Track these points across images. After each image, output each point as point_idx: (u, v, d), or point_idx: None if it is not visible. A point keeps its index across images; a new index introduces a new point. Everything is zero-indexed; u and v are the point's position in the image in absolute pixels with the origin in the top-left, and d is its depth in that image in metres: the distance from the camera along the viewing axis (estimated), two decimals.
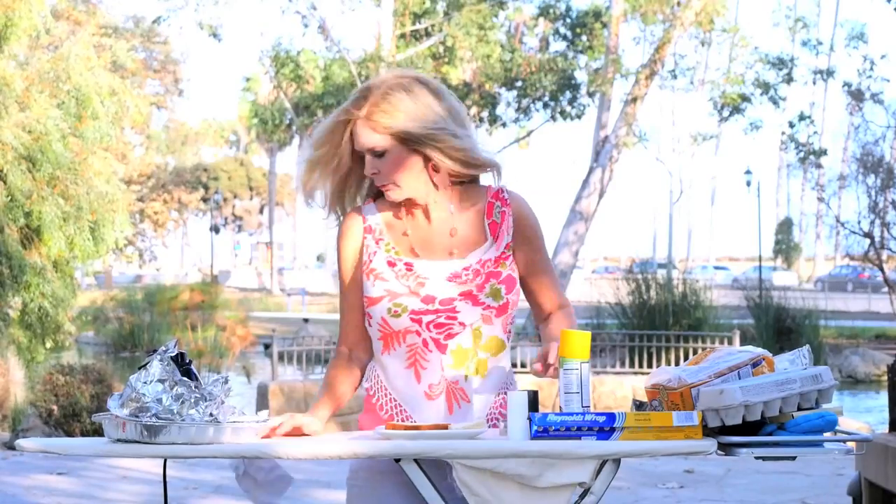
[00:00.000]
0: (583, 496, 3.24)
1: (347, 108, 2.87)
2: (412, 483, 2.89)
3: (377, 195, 2.99)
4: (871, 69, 27.73)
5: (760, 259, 35.88)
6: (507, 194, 2.96)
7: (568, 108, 27.56)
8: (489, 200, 2.96)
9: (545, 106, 27.87)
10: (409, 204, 2.92)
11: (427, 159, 2.85)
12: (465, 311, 2.89)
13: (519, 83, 27.38)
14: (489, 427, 2.97)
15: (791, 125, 28.45)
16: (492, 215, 2.95)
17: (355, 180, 2.99)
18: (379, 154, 2.84)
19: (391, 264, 2.91)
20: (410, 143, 2.82)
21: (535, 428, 3.14)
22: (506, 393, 2.90)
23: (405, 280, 2.89)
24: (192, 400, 3.14)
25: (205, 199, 61.25)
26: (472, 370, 2.96)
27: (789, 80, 27.64)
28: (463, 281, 2.89)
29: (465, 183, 2.95)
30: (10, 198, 11.33)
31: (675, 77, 27.83)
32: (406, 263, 2.91)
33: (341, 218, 3.01)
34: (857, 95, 25.92)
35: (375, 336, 2.97)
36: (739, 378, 3.30)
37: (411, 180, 2.87)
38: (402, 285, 2.89)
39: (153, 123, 51.82)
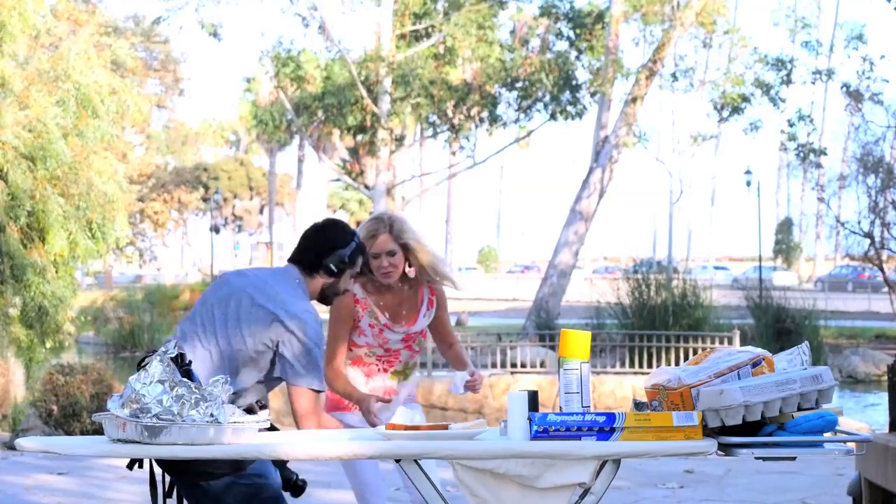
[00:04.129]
0: (583, 496, 3.25)
1: (376, 226, 4.71)
2: None
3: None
4: (871, 69, 27.71)
5: (760, 259, 35.85)
6: (434, 285, 4.89)
7: (568, 108, 27.55)
8: (422, 289, 4.88)
9: (545, 106, 27.85)
10: (383, 286, 4.80)
11: (408, 260, 4.80)
12: (403, 354, 4.91)
13: (519, 83, 27.37)
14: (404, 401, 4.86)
15: (791, 125, 28.43)
16: (423, 300, 4.88)
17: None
18: (391, 253, 4.73)
19: (371, 326, 4.79)
20: (406, 250, 4.76)
21: (535, 428, 3.15)
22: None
23: (376, 338, 4.81)
24: (193, 401, 3.14)
25: (205, 199, 61.19)
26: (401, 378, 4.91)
27: (789, 80, 27.63)
28: (407, 343, 4.89)
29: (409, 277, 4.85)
30: (11, 197, 11.31)
31: (675, 79, 27.82)
32: (380, 329, 4.79)
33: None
34: (855, 96, 25.90)
35: (349, 359, 4.83)
36: (739, 378, 3.30)
37: (400, 271, 4.78)
38: (374, 340, 4.80)
39: (153, 123, 51.80)
